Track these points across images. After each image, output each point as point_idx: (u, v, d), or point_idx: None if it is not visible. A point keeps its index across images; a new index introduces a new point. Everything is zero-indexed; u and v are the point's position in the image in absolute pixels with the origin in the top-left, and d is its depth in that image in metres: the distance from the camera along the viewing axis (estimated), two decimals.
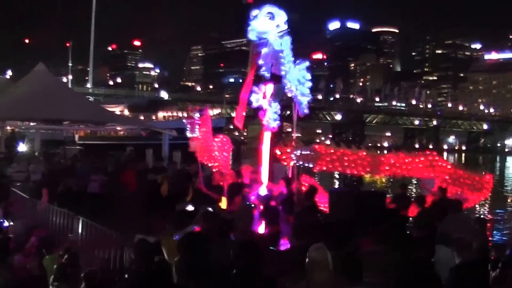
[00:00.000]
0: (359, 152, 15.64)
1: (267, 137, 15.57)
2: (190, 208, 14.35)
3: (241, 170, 17.53)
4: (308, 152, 14.35)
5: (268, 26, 14.73)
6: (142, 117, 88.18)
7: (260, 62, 14.93)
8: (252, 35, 15.03)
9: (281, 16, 14.92)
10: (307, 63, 15.24)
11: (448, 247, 8.47)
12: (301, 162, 14.45)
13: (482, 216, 18.29)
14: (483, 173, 18.16)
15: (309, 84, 15.21)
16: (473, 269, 7.71)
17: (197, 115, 15.53)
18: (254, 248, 6.79)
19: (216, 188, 16.73)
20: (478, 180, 17.02)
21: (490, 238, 13.93)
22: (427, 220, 13.37)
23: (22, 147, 33.21)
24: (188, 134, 15.94)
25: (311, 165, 14.40)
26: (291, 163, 15.18)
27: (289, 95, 14.98)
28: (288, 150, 15.19)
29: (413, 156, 15.99)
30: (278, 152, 15.75)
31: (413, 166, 15.58)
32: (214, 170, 18.10)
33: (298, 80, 14.93)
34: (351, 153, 15.37)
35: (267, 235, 13.10)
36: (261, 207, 13.90)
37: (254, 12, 15.01)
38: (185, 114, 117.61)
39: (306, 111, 15.20)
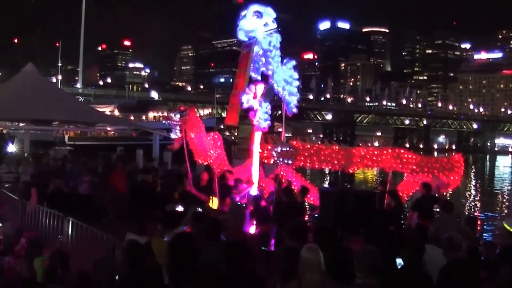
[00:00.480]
0: (332, 146, 15.76)
1: (257, 137, 15.56)
2: (179, 208, 14.28)
3: (228, 171, 17.61)
4: (287, 149, 14.32)
5: (256, 24, 14.70)
6: (132, 118, 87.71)
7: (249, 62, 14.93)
8: (241, 35, 15.02)
9: (269, 14, 14.88)
10: (293, 62, 15.21)
11: (439, 247, 8.48)
12: (281, 159, 14.41)
13: (472, 216, 18.34)
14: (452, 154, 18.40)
15: (297, 83, 15.21)
16: (462, 269, 7.71)
17: (177, 116, 15.39)
18: (244, 249, 6.75)
19: (204, 189, 16.71)
20: (447, 161, 17.26)
21: (480, 238, 13.94)
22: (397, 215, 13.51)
23: (11, 148, 33.01)
24: (172, 136, 15.82)
25: (290, 162, 14.38)
26: (272, 161, 15.14)
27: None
28: (269, 147, 15.15)
29: (381, 149, 16.26)
30: (259, 149, 15.71)
31: (382, 158, 15.79)
32: (203, 170, 18.06)
33: (285, 80, 14.91)
34: (325, 147, 15.45)
35: (258, 235, 13.08)
36: (252, 207, 13.90)
37: (243, 12, 14.98)
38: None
39: (295, 110, 15.19)
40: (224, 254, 6.67)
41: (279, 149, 14.25)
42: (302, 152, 14.45)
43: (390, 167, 16.29)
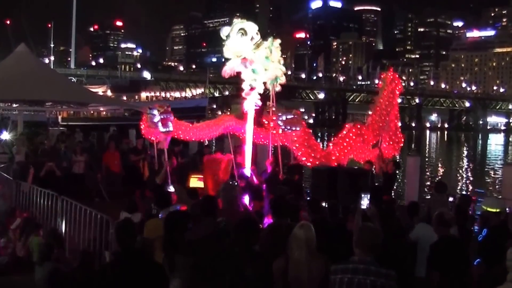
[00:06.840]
0: (318, 144, 15.81)
1: (250, 115, 15.56)
2: (171, 189, 14.36)
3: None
4: (292, 116, 14.27)
5: (242, 43, 14.55)
6: (125, 98, 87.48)
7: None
8: (228, 54, 14.88)
9: (253, 29, 14.69)
10: (279, 41, 15.20)
11: (431, 225, 8.60)
12: (288, 127, 14.37)
13: (466, 194, 18.37)
14: None
15: (282, 61, 15.23)
16: (452, 245, 7.84)
17: (155, 112, 15.41)
18: (255, 227, 6.82)
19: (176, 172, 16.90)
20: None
21: (474, 215, 13.98)
22: None
23: (5, 135, 32.78)
24: (161, 129, 15.77)
25: (297, 128, 14.26)
26: (280, 130, 15.10)
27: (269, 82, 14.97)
28: (274, 118, 15.08)
29: (345, 133, 16.05)
30: (265, 121, 15.71)
31: (350, 145, 15.70)
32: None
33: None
34: (314, 141, 15.37)
35: (252, 212, 13.17)
36: (243, 184, 13.97)
37: (225, 31, 14.73)
38: (168, 95, 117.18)
39: (278, 88, 15.23)
40: (234, 232, 6.71)
41: (284, 117, 14.19)
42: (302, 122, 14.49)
43: (356, 148, 16.28)
